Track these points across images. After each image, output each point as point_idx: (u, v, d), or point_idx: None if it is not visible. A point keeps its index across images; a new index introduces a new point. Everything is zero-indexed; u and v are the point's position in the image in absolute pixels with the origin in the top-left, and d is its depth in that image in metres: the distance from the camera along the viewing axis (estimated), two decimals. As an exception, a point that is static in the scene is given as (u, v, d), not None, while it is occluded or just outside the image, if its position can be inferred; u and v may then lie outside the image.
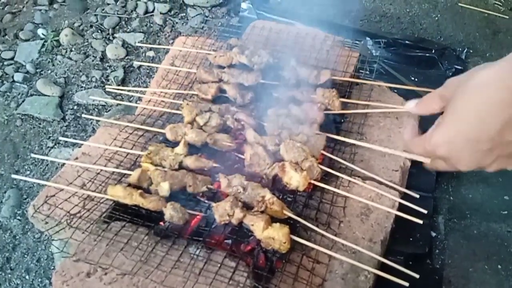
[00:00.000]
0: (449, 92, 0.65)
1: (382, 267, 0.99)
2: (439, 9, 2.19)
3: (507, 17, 2.10)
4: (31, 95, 1.77)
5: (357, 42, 1.55)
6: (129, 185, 1.10)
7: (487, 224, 1.26)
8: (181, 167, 1.15)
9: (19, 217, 1.40)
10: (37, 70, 1.87)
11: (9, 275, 1.27)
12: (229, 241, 1.07)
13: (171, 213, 1.01)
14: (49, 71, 1.87)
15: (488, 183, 1.37)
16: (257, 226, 0.98)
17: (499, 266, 1.17)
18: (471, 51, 1.93)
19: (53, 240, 1.26)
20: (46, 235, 1.35)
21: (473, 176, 1.40)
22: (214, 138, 1.20)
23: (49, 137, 1.64)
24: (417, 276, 0.93)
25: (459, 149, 0.61)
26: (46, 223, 1.10)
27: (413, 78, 1.76)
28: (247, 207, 1.04)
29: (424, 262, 1.20)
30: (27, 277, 1.26)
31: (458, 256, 1.21)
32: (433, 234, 1.27)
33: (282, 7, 2.06)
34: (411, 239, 1.23)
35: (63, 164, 1.54)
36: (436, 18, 2.14)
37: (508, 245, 1.21)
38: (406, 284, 0.91)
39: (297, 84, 1.34)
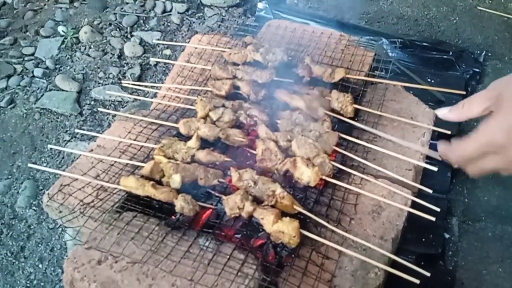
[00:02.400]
0: (497, 90, 0.64)
1: (393, 265, 0.98)
2: (457, 12, 2.16)
3: (528, 21, 2.07)
4: (50, 90, 1.81)
5: (373, 42, 1.54)
6: (142, 176, 1.11)
7: (502, 227, 1.24)
8: (193, 160, 1.16)
9: (34, 207, 1.43)
10: (57, 66, 1.91)
11: (23, 264, 1.29)
12: (239, 235, 1.08)
13: (182, 204, 1.02)
14: (68, 67, 1.91)
15: (504, 186, 1.35)
16: (267, 219, 0.98)
17: (514, 270, 1.15)
18: (489, 54, 1.90)
19: (66, 228, 1.28)
20: (60, 225, 1.37)
21: (490, 179, 1.38)
22: (227, 133, 1.20)
23: (66, 131, 1.67)
24: (428, 274, 0.92)
25: None
26: (60, 211, 1.12)
27: (429, 80, 1.74)
28: (258, 201, 1.05)
29: (437, 263, 1.18)
30: (40, 266, 1.28)
31: (471, 258, 1.19)
32: (447, 235, 1.25)
33: (298, 8, 2.06)
34: (423, 239, 1.21)
35: (79, 156, 1.58)
36: (454, 21, 2.12)
37: (524, 248, 1.19)
38: (417, 281, 0.90)
39: (311, 82, 1.34)
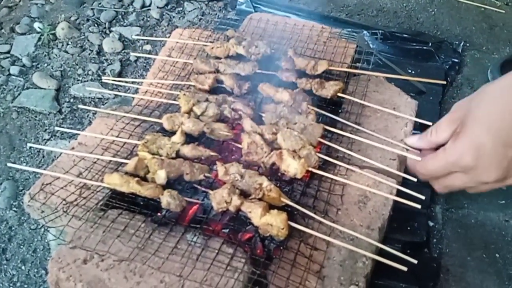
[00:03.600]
0: (461, 111, 0.63)
1: (380, 254, 0.98)
2: (435, 4, 2.19)
3: (503, 11, 2.11)
4: (27, 88, 1.76)
5: (354, 34, 1.55)
6: (126, 173, 1.10)
7: (485, 213, 1.26)
8: (178, 155, 1.15)
9: (15, 209, 1.39)
10: (33, 64, 1.86)
11: (5, 266, 1.26)
12: (226, 230, 1.07)
13: (168, 200, 1.00)
14: (46, 65, 1.86)
15: (485, 174, 1.37)
16: (254, 212, 0.98)
17: (497, 255, 1.18)
18: (468, 44, 1.93)
19: (49, 229, 1.25)
20: (42, 225, 1.34)
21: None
22: (211, 127, 1.19)
23: (45, 129, 1.63)
24: (415, 261, 0.93)
25: (488, 155, 0.58)
26: (42, 211, 1.09)
27: (410, 71, 1.76)
28: (245, 194, 1.04)
29: (422, 251, 1.20)
30: (23, 267, 1.25)
31: (455, 245, 1.21)
32: (431, 223, 1.27)
33: (279, 1, 2.06)
34: (408, 228, 1.23)
35: (60, 155, 1.55)
36: (433, 13, 2.15)
37: (506, 234, 1.22)
38: (405, 268, 0.91)
39: (295, 74, 1.34)
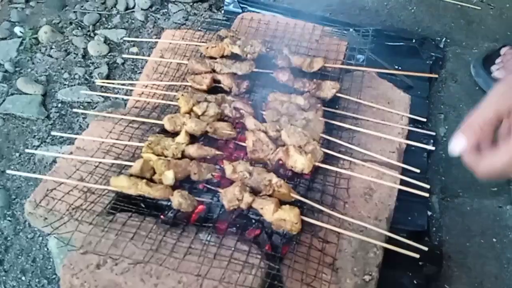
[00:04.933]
0: (502, 97, 0.60)
1: (389, 244, 1.01)
2: (414, 2, 2.25)
3: (479, 8, 2.19)
4: (12, 94, 1.71)
5: (345, 32, 1.58)
6: (131, 176, 1.08)
7: (479, 201, 1.31)
8: (183, 156, 1.14)
9: (9, 218, 1.35)
10: (17, 69, 1.80)
11: (4, 278, 1.21)
12: (233, 229, 1.07)
13: (180, 200, 1.00)
14: (29, 70, 1.81)
15: (476, 163, 1.42)
16: (267, 209, 0.99)
17: (494, 240, 1.22)
18: (448, 40, 2.00)
19: (50, 236, 1.22)
20: (39, 234, 1.30)
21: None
22: (214, 126, 1.19)
23: (34, 135, 1.58)
24: (426, 248, 0.96)
25: None
26: (45, 218, 1.07)
27: (396, 67, 1.81)
28: (254, 192, 1.05)
29: (423, 240, 1.23)
30: (23, 278, 1.21)
31: (454, 232, 1.25)
32: (429, 213, 1.30)
33: (265, 1, 2.07)
34: (409, 218, 1.26)
35: (52, 162, 1.51)
36: (413, 11, 2.21)
37: (500, 219, 1.27)
38: (417, 255, 0.94)
39: (291, 75, 1.35)
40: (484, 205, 1.30)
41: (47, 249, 1.26)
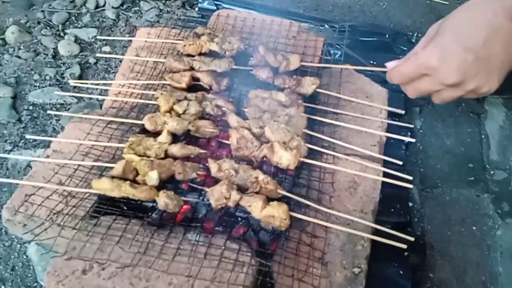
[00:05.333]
0: (433, 29, 0.70)
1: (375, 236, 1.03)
2: (385, -2, 2.30)
3: (447, 3, 2.25)
4: (-21, 97, 1.63)
5: (321, 28, 1.60)
6: (113, 177, 1.05)
7: (457, 190, 1.35)
8: (166, 155, 1.12)
9: (-17, 226, 1.29)
10: (-17, 71, 1.73)
11: (-20, 289, 1.16)
12: (220, 228, 1.07)
13: (166, 201, 0.98)
14: (-4, 72, 1.73)
15: (452, 154, 1.47)
16: (255, 206, 0.98)
17: (474, 228, 1.26)
18: (420, 35, 2.04)
19: (32, 243, 1.17)
20: (17, 241, 1.25)
21: (438, 148, 1.49)
22: (197, 125, 1.18)
23: (6, 140, 1.52)
24: (412, 239, 0.98)
25: (450, 57, 0.66)
26: (25, 225, 1.02)
27: (371, 62, 1.83)
28: (240, 189, 1.04)
29: (406, 231, 1.26)
30: (2, 287, 1.16)
31: (435, 222, 1.28)
32: (410, 204, 1.33)
33: (238, -2, 2.06)
34: (392, 209, 1.28)
35: (27, 166, 1.45)
36: (384, 6, 2.25)
37: (479, 208, 1.31)
38: (405, 246, 0.96)
39: (271, 72, 1.34)
40: (463, 195, 1.34)
41: (27, 256, 1.21)
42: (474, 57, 0.65)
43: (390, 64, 0.82)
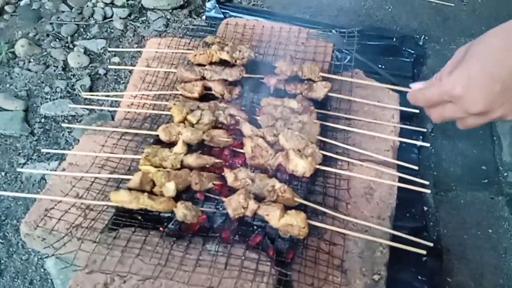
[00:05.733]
0: (460, 53, 0.70)
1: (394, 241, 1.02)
2: (390, 1, 2.30)
3: (453, 4, 2.26)
4: (-9, 111, 1.65)
5: (330, 33, 1.60)
6: (130, 189, 1.06)
7: (472, 193, 1.35)
8: (182, 166, 1.13)
9: (1, 240, 1.29)
10: (-6, 85, 1.75)
11: (-1, 303, 1.17)
12: (236, 237, 1.06)
13: (184, 212, 0.98)
14: (8, 85, 1.75)
15: (465, 156, 1.47)
16: (272, 215, 0.98)
17: (490, 230, 1.26)
18: (427, 37, 2.05)
19: (50, 257, 1.18)
20: (35, 255, 1.26)
21: (450, 150, 1.49)
22: (211, 134, 1.18)
23: (19, 153, 1.53)
24: (431, 244, 0.98)
25: (476, 87, 0.65)
26: (43, 239, 1.03)
27: (380, 66, 1.84)
28: (257, 198, 1.04)
29: (422, 235, 1.25)
30: (21, 301, 1.17)
31: (451, 226, 1.28)
32: (425, 208, 1.33)
33: (245, 6, 2.07)
34: (407, 214, 1.28)
35: (41, 179, 1.46)
36: (390, 10, 2.26)
37: (494, 210, 1.30)
38: (424, 252, 0.96)
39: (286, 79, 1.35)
40: (477, 197, 1.34)
41: (44, 270, 1.22)
42: (501, 87, 0.64)
43: (415, 86, 0.81)
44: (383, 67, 1.84)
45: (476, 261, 1.19)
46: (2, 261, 1.25)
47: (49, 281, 1.20)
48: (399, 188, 1.14)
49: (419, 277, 1.13)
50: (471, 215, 1.29)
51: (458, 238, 1.24)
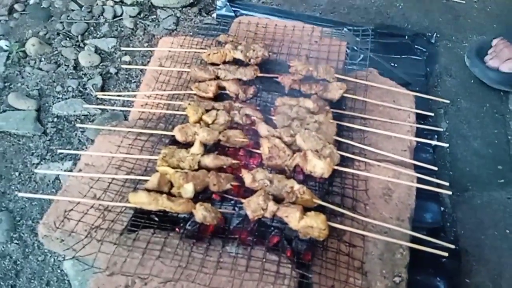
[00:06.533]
0: None
1: (413, 243, 1.02)
2: (401, -2, 2.28)
3: (464, 2, 2.23)
4: (4, 111, 1.64)
5: (343, 32, 1.59)
6: (148, 190, 1.05)
7: (488, 193, 1.34)
8: (199, 167, 1.12)
9: (16, 241, 1.29)
10: (6, 84, 1.74)
11: (16, 304, 1.17)
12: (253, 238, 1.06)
13: (204, 213, 0.98)
14: (19, 84, 1.74)
15: (480, 156, 1.45)
16: (292, 217, 0.98)
17: (507, 231, 1.25)
18: (439, 35, 2.03)
19: (65, 259, 1.18)
20: (51, 255, 1.26)
21: (465, 150, 1.48)
22: (227, 135, 1.18)
23: (32, 153, 1.53)
24: (453, 246, 0.97)
25: None
26: (62, 241, 1.03)
27: (392, 64, 1.82)
28: (275, 199, 1.03)
29: (439, 236, 1.25)
30: (38, 302, 1.17)
31: (468, 226, 1.27)
32: (442, 208, 1.32)
33: (255, 4, 2.06)
34: (424, 215, 1.27)
35: (55, 179, 1.46)
36: (400, 7, 2.23)
37: (511, 210, 1.29)
38: (446, 254, 0.95)
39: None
40: (494, 198, 1.33)
41: (61, 271, 1.22)
42: None
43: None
44: (396, 65, 1.82)
45: (494, 262, 1.18)
46: (18, 262, 1.25)
47: (66, 282, 1.19)
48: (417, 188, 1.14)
49: (438, 278, 1.12)
50: (488, 215, 1.28)
51: (476, 238, 1.23)
